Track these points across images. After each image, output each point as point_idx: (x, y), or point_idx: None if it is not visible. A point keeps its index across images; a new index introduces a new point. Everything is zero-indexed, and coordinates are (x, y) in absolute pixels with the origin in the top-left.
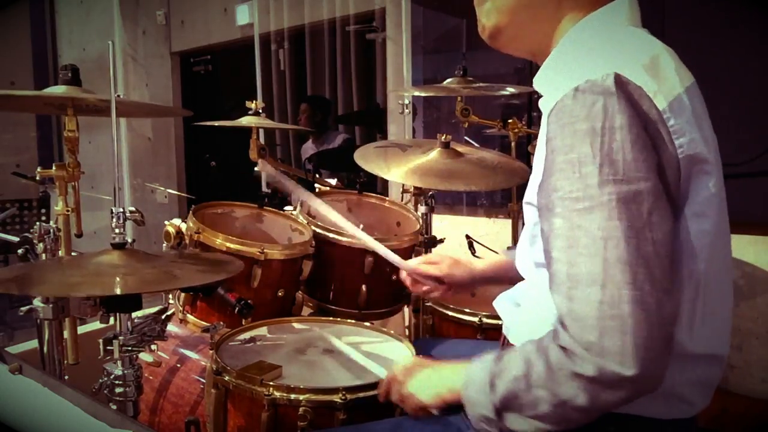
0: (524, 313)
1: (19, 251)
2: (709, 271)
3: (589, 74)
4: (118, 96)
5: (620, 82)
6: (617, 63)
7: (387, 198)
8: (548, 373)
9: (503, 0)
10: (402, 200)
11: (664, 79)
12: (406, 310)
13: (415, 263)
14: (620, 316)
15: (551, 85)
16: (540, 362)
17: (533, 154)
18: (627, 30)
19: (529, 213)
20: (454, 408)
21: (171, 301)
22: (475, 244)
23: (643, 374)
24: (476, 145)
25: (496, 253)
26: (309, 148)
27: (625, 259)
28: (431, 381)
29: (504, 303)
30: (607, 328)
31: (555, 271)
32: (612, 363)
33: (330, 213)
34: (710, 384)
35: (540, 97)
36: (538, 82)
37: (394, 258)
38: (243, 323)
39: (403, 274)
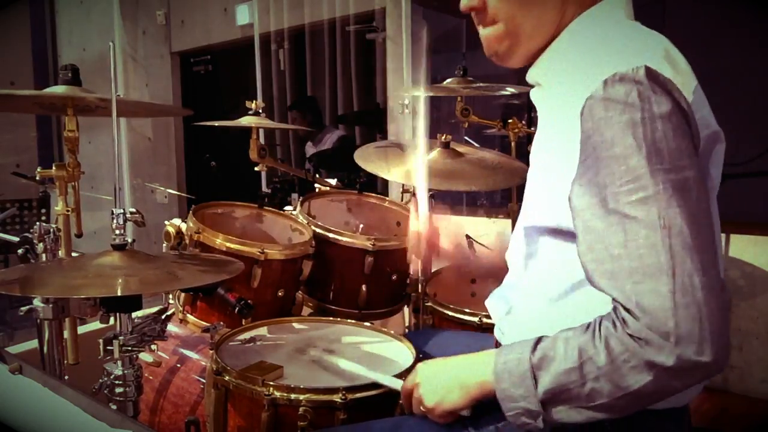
0: (516, 320)
1: (19, 251)
2: None
3: (616, 67)
4: (119, 96)
5: (652, 74)
6: (643, 55)
7: (387, 198)
8: (611, 364)
9: (505, 10)
10: (402, 200)
11: (683, 72)
12: (406, 310)
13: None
14: (695, 304)
15: (554, 79)
16: (601, 353)
17: None
18: (631, 24)
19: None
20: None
21: (171, 301)
22: (475, 244)
23: (717, 359)
24: (476, 145)
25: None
26: (310, 148)
27: (691, 246)
28: (454, 380)
29: (495, 305)
30: (683, 317)
31: (614, 267)
32: (690, 351)
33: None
34: None
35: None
36: (534, 75)
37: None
38: (243, 323)
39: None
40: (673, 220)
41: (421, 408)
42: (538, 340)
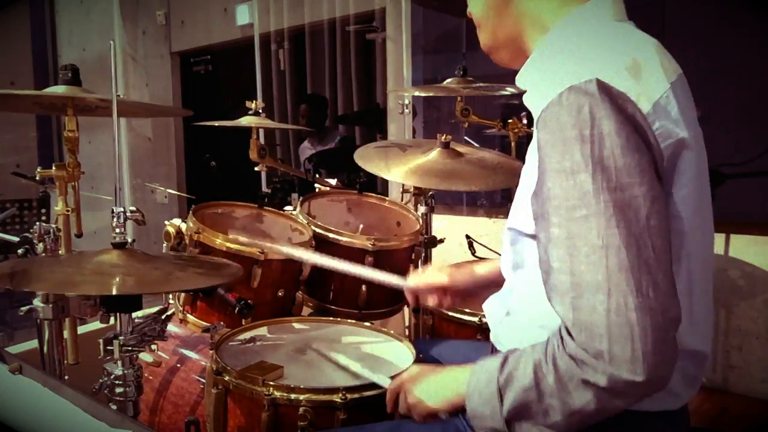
0: (513, 325)
1: (19, 251)
2: (691, 269)
3: (572, 80)
4: (119, 96)
5: (602, 87)
6: (599, 67)
7: (387, 198)
8: (558, 383)
9: (483, 19)
10: (402, 200)
11: (648, 79)
12: (406, 310)
13: (416, 279)
14: (628, 324)
15: (536, 85)
16: (550, 372)
17: None
18: (612, 26)
19: (516, 217)
20: (462, 411)
21: (171, 301)
22: (475, 244)
23: (651, 379)
24: (476, 145)
25: (498, 254)
26: (306, 148)
27: (628, 267)
28: (438, 385)
29: (493, 308)
30: (615, 336)
31: (556, 281)
32: (622, 370)
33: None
34: (695, 376)
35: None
36: (521, 80)
37: (393, 281)
38: (243, 323)
39: (407, 292)
40: (612, 239)
41: (405, 404)
42: (507, 356)
